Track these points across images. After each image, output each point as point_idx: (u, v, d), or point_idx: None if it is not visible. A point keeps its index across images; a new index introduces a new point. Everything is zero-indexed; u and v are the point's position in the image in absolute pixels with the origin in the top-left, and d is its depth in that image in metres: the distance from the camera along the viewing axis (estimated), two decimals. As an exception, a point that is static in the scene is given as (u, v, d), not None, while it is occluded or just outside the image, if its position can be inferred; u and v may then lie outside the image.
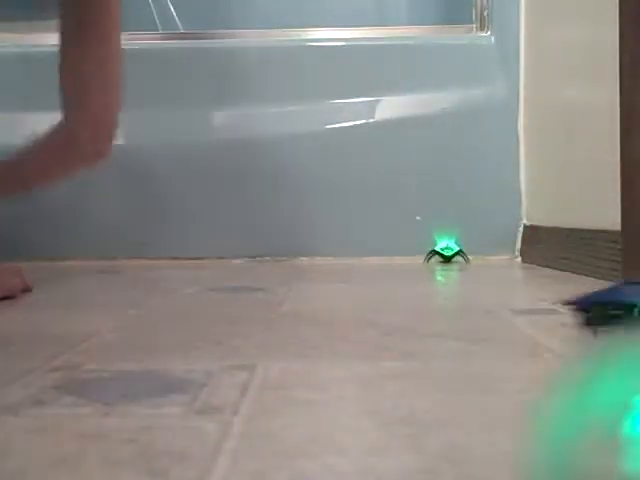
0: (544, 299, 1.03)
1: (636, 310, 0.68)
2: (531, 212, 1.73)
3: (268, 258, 1.77)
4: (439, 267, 1.57)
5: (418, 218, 1.76)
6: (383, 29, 1.93)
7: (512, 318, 0.84)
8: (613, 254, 1.23)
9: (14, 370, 0.58)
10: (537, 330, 0.77)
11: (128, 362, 0.61)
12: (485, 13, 1.81)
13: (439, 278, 1.40)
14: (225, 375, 0.56)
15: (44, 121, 1.18)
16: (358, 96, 1.81)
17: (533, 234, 1.67)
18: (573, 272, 1.36)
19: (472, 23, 1.83)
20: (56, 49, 1.16)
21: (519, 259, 1.73)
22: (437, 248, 1.69)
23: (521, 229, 1.74)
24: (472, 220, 1.73)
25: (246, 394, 0.50)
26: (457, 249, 1.69)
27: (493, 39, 1.81)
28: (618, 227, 1.22)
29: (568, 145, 1.47)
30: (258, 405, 0.47)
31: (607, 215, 1.25)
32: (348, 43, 1.85)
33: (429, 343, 0.71)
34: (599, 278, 1.26)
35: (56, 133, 1.17)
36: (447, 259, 1.68)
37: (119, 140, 1.81)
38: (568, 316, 0.86)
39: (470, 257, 1.67)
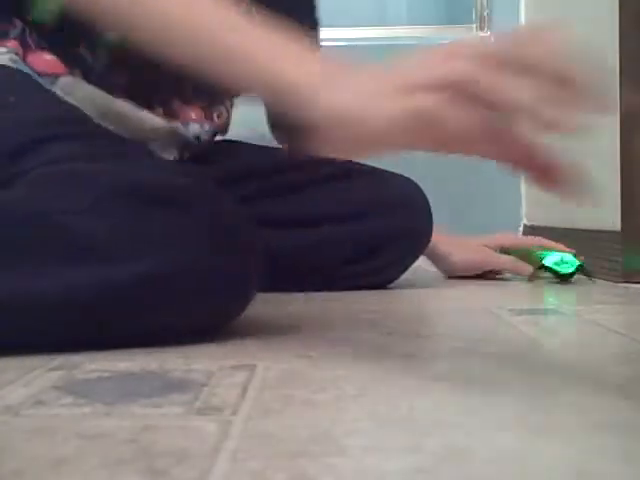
0: (544, 299, 1.03)
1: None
2: (531, 212, 1.73)
3: (268, 258, 1.77)
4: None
5: None
6: (383, 29, 1.93)
7: (512, 318, 0.84)
8: (613, 254, 1.23)
9: (14, 370, 0.58)
10: (537, 330, 0.77)
11: (128, 362, 0.61)
12: (485, 13, 1.81)
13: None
14: (225, 375, 0.56)
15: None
16: (358, 96, 1.80)
17: (533, 234, 1.67)
18: (573, 272, 1.35)
19: (472, 23, 1.83)
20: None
21: (519, 259, 1.72)
22: (547, 263, 1.23)
23: (521, 229, 1.74)
24: (472, 220, 1.73)
25: (246, 394, 0.50)
26: (577, 264, 1.21)
27: (493, 39, 1.81)
28: (618, 227, 1.22)
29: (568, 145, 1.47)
30: (258, 405, 0.47)
31: (607, 215, 1.25)
32: (348, 43, 1.85)
33: (429, 343, 0.71)
34: (599, 278, 1.26)
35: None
36: (564, 277, 1.22)
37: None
38: (568, 316, 0.86)
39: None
